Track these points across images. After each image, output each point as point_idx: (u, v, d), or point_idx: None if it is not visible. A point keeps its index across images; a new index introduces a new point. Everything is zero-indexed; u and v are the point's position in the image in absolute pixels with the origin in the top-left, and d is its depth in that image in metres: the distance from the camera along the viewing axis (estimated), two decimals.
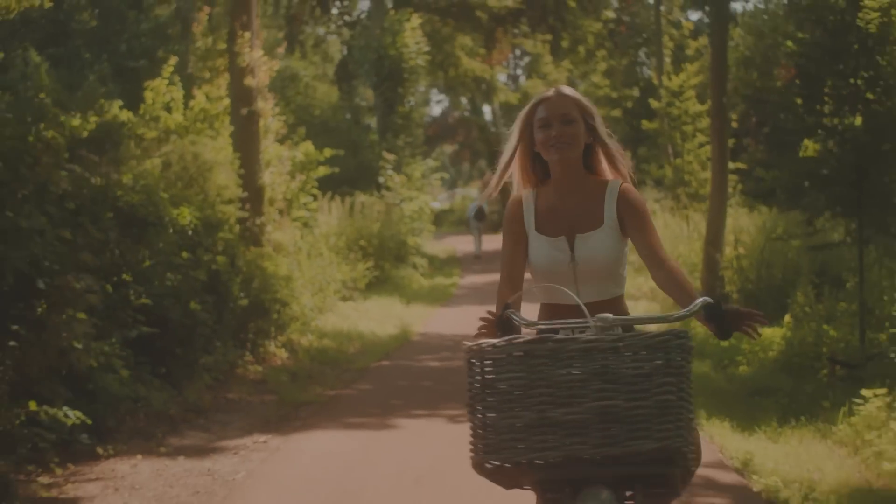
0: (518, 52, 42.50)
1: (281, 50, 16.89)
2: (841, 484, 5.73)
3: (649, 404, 2.74)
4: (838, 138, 8.92)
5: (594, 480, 2.82)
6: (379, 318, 14.41)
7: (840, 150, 8.91)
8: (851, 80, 8.78)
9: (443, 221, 40.90)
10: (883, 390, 6.79)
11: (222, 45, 15.55)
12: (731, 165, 15.49)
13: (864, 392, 6.87)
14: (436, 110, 52.65)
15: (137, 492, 5.79)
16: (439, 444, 6.92)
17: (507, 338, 2.87)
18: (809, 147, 8.85)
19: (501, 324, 3.02)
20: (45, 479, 5.74)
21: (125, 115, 11.11)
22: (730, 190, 14.02)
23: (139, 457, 6.56)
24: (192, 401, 8.07)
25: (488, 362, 2.84)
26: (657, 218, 19.22)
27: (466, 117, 45.59)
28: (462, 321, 12.22)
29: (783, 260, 12.27)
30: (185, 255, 8.82)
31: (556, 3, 29.06)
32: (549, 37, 32.14)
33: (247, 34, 14.34)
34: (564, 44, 32.46)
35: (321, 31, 35.97)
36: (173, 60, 13.37)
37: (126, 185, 8.18)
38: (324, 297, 13.88)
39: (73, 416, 5.61)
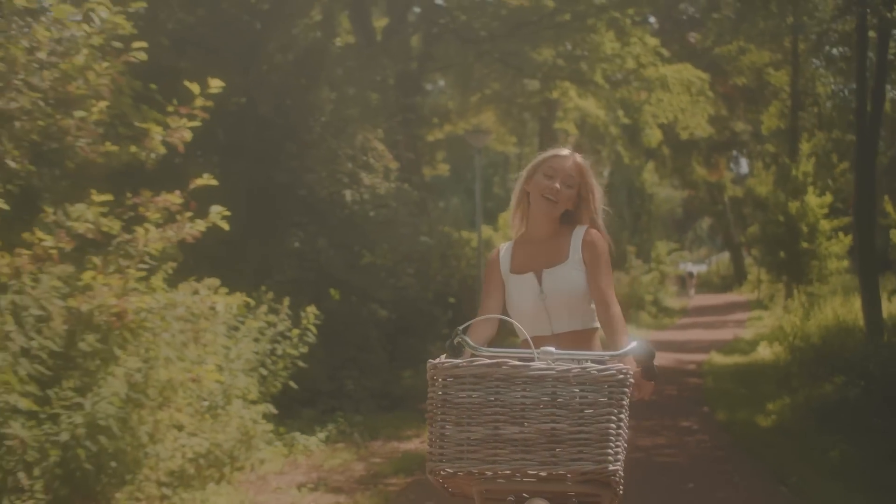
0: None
1: None
2: (730, 364, 20.48)
3: (591, 430, 3.02)
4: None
5: (535, 493, 3.11)
6: None
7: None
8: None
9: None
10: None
11: None
12: None
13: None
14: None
15: None
16: None
17: (467, 359, 3.13)
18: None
19: (452, 347, 3.30)
20: None
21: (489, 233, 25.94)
22: None
23: None
24: None
25: (449, 379, 3.10)
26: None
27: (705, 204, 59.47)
28: (663, 341, 27.58)
29: None
30: None
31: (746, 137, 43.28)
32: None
33: None
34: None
35: None
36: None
37: None
38: None
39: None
